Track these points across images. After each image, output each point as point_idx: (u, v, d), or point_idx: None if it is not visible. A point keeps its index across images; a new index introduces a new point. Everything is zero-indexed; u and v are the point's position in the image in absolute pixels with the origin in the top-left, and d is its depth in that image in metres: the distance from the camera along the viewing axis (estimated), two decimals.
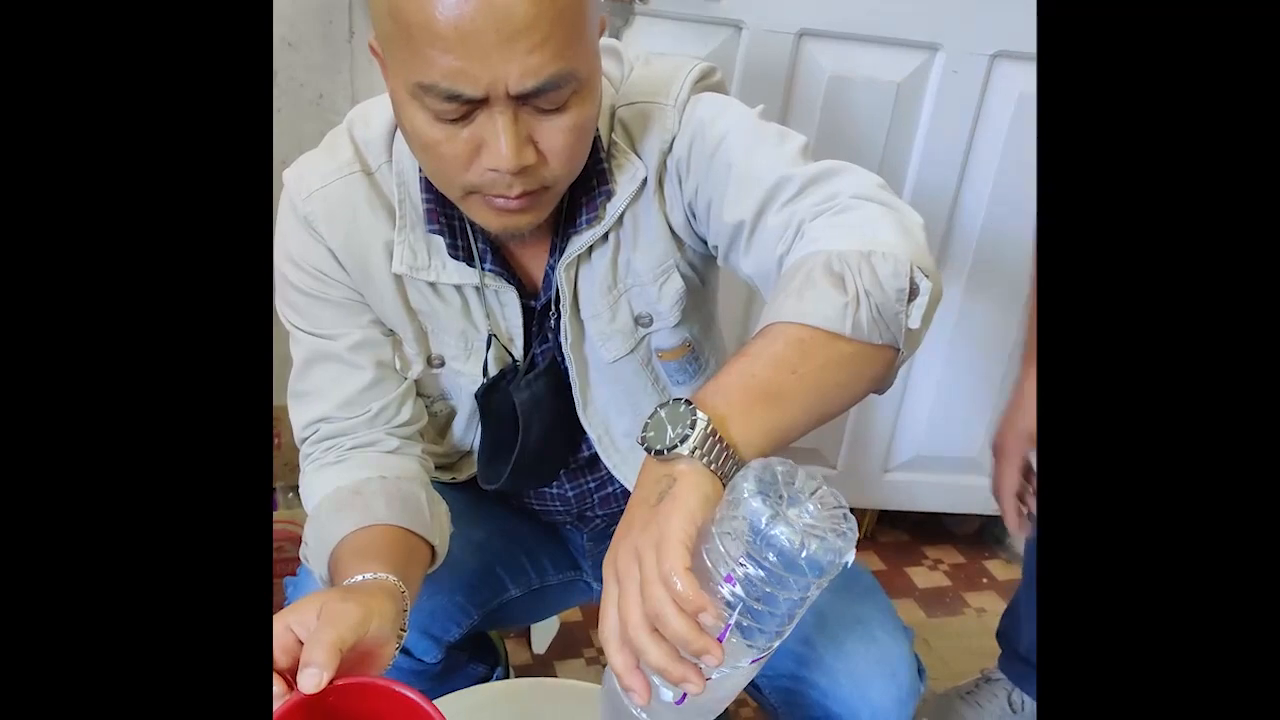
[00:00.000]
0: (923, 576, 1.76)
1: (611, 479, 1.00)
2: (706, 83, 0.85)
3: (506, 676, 1.16)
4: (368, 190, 0.85)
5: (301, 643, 0.63)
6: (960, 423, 1.67)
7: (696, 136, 0.81)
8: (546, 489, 1.01)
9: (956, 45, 1.38)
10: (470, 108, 0.69)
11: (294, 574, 0.98)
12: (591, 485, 1.01)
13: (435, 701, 0.79)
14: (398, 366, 0.90)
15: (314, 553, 0.81)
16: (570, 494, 1.01)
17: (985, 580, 1.77)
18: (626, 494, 1.00)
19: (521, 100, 0.69)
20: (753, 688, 0.96)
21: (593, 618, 1.53)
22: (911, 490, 1.73)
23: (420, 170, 0.83)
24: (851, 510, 0.59)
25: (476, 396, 0.91)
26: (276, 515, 1.44)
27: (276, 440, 1.61)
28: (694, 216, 0.85)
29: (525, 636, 1.45)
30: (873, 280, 0.67)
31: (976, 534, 1.87)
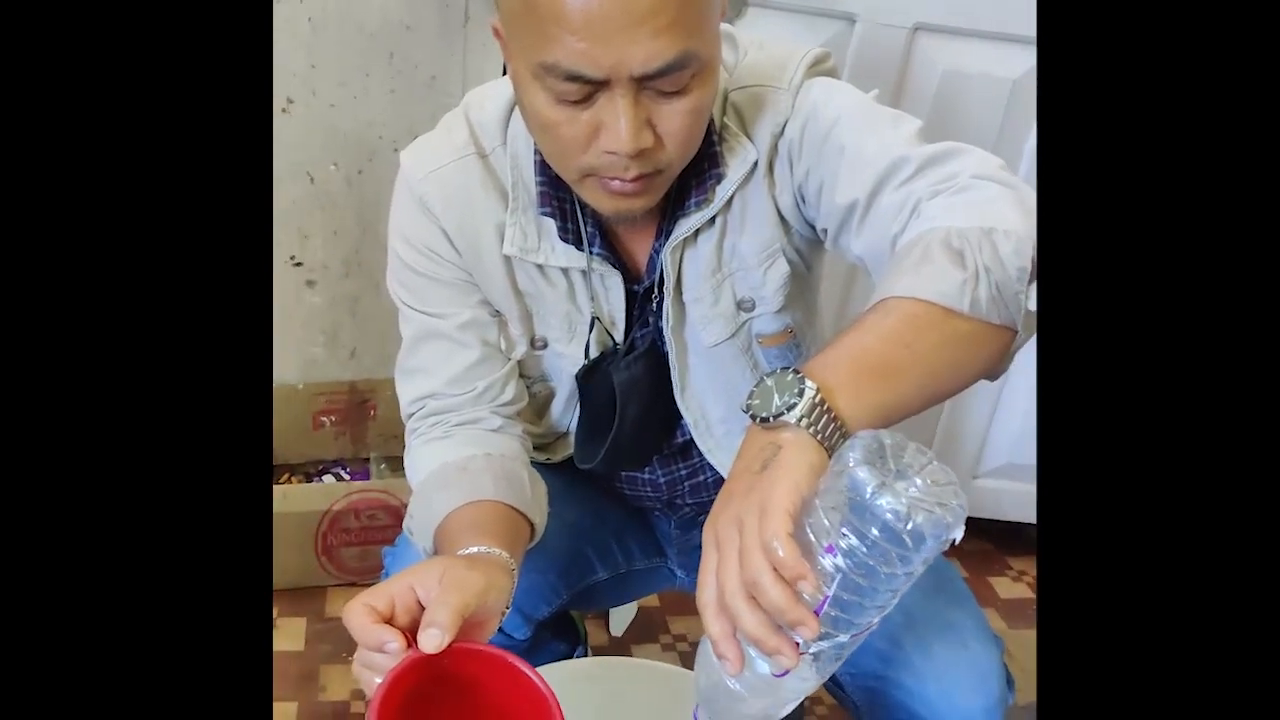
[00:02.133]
0: (1005, 587, 1.73)
1: (703, 467, 1.00)
2: (820, 68, 0.85)
3: (586, 656, 1.17)
4: (482, 173, 0.86)
5: (421, 604, 0.65)
6: None
7: (810, 120, 0.81)
8: (639, 474, 1.02)
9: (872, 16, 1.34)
10: (592, 89, 0.70)
11: (390, 542, 1.01)
12: (683, 472, 1.02)
13: None
14: (502, 347, 0.91)
15: (419, 525, 0.84)
16: (661, 480, 1.02)
17: None
18: (718, 483, 1.00)
19: (642, 83, 0.70)
20: (834, 685, 0.96)
21: (671, 604, 1.54)
22: (999, 498, 1.70)
23: (536, 153, 0.85)
24: None
25: (576, 377, 0.92)
26: (370, 484, 1.48)
27: (372, 412, 1.66)
28: (803, 200, 0.84)
29: (604, 619, 1.47)
30: (993, 257, 0.65)
31: None
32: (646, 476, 1.02)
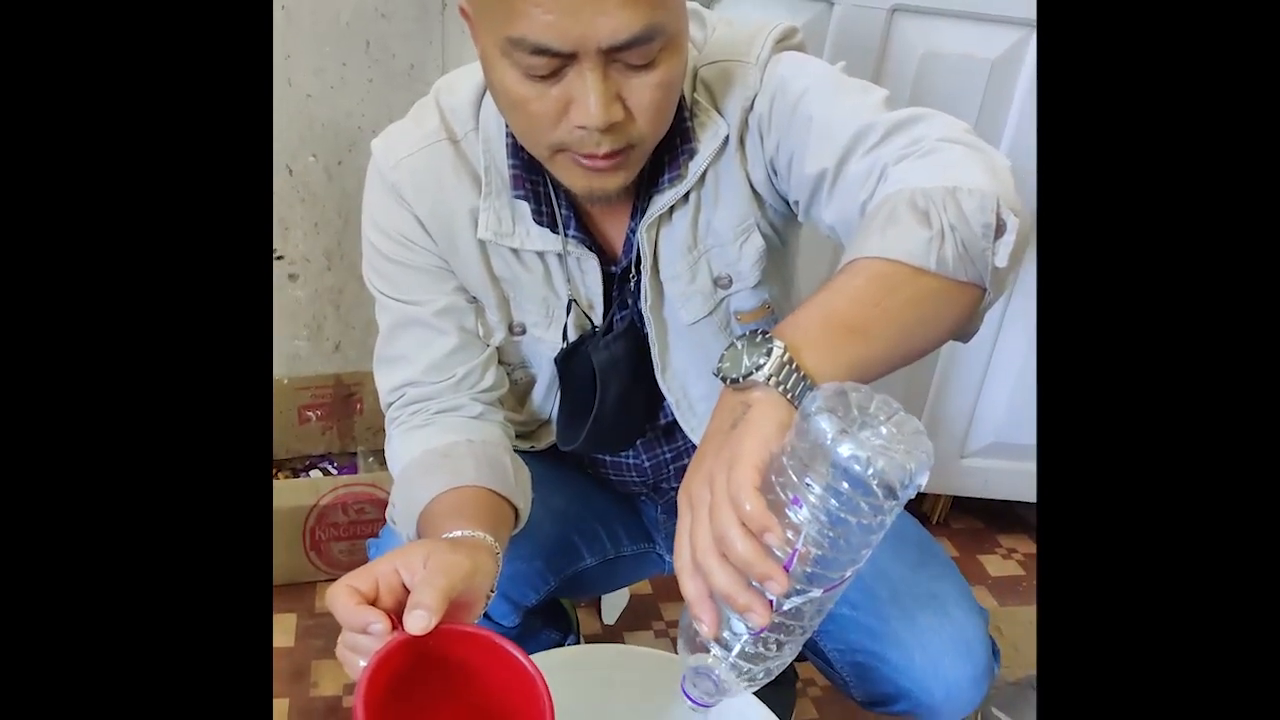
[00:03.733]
0: (996, 565, 1.74)
1: (687, 450, 1.00)
2: (788, 42, 0.85)
3: (578, 645, 1.17)
4: (454, 158, 0.86)
5: (406, 587, 0.65)
6: None
7: (778, 93, 0.81)
8: (623, 458, 1.02)
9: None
10: (560, 63, 0.70)
11: (376, 535, 1.00)
12: (668, 456, 1.02)
13: None
14: (480, 333, 0.91)
15: (402, 513, 0.83)
16: (646, 464, 1.02)
17: None
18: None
19: (611, 56, 0.70)
20: (823, 661, 0.96)
21: (662, 590, 1.54)
22: (987, 477, 1.70)
23: (508, 135, 0.84)
24: (925, 495, 0.58)
25: (556, 361, 0.92)
26: (358, 478, 1.47)
27: (358, 406, 1.65)
28: (775, 173, 0.84)
29: (596, 607, 1.47)
30: (958, 215, 0.66)
31: None
32: (631, 460, 1.02)
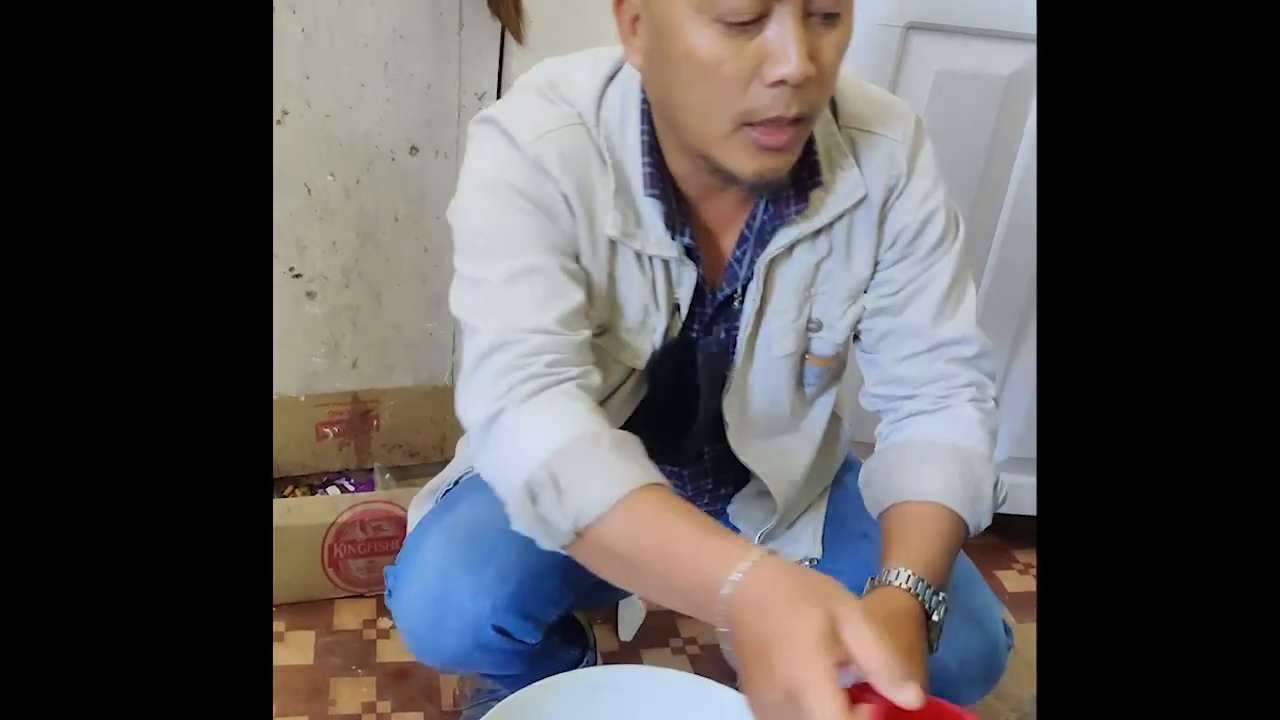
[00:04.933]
0: (1013, 580, 1.73)
1: (716, 468, 1.01)
2: (923, 130, 0.90)
3: (595, 663, 1.17)
4: (592, 144, 0.83)
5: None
6: None
7: (921, 230, 0.88)
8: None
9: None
10: (764, 7, 0.70)
11: (393, 553, 1.00)
12: (709, 476, 1.02)
13: (539, 684, 0.81)
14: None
15: (576, 499, 0.72)
16: (687, 485, 1.03)
17: None
18: (734, 481, 1.02)
19: (809, 6, 0.71)
20: None
21: None
22: (1005, 491, 1.70)
23: (643, 134, 0.82)
24: None
25: (647, 367, 0.90)
26: (375, 495, 1.48)
27: (374, 422, 1.66)
28: (877, 263, 0.90)
29: (613, 623, 1.47)
30: (994, 504, 0.91)
31: None
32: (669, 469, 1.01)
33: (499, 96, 1.51)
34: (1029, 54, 1.35)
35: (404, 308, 1.63)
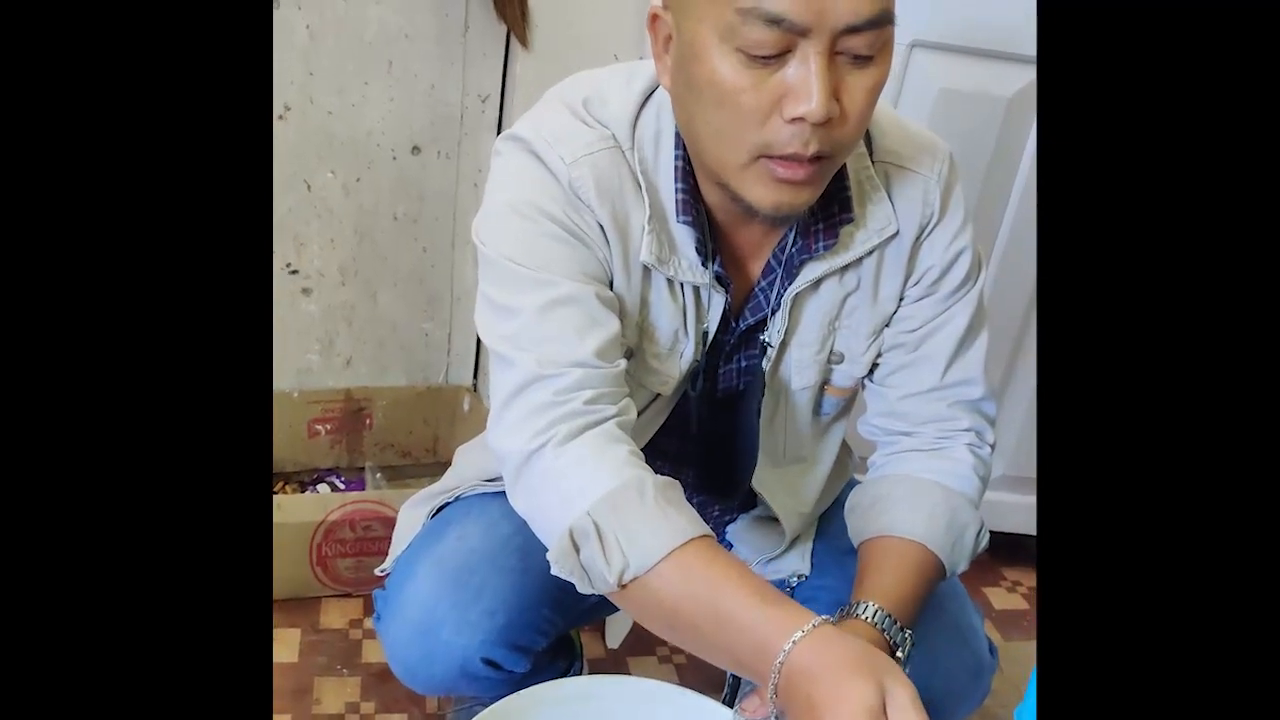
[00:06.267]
0: (1000, 598, 1.73)
1: (727, 509, 1.02)
2: (956, 167, 0.89)
3: (583, 671, 1.17)
4: (626, 168, 0.80)
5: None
6: None
7: (948, 269, 0.88)
8: None
9: None
10: (787, 43, 0.68)
11: (383, 554, 0.99)
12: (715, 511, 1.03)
13: (524, 692, 0.81)
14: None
15: (624, 551, 0.71)
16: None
17: None
18: (736, 513, 1.03)
19: (837, 47, 0.69)
20: None
21: None
22: (995, 509, 1.70)
23: (677, 159, 0.80)
24: None
25: (656, 394, 0.89)
26: (365, 495, 1.47)
27: (367, 421, 1.65)
28: (901, 297, 0.90)
29: (600, 631, 1.47)
30: (976, 548, 0.91)
31: None
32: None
33: (502, 99, 1.51)
34: (1030, 75, 1.36)
35: (400, 307, 1.63)
